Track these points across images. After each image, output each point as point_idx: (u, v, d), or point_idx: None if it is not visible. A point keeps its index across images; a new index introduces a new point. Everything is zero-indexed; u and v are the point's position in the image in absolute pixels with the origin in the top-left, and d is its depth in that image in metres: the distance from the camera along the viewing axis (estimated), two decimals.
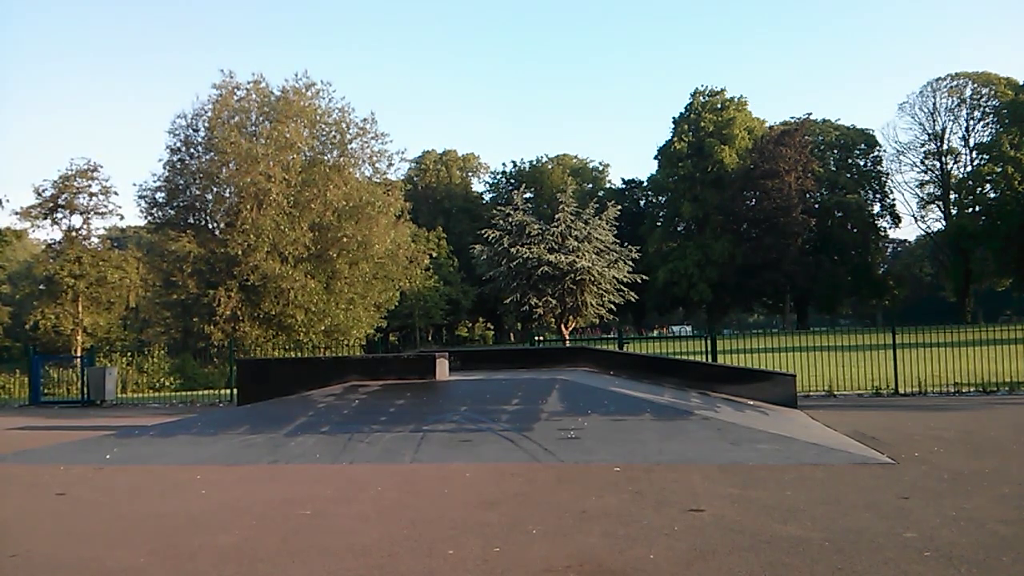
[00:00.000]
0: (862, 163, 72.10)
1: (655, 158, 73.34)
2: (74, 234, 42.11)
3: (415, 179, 73.32)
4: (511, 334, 74.91)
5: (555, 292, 24.06)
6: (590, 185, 75.70)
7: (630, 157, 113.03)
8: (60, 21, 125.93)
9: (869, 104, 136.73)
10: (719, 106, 70.17)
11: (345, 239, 32.17)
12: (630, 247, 26.13)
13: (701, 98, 70.92)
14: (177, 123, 33.54)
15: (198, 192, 33.61)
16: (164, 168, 33.58)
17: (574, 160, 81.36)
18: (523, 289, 24.48)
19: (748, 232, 67.24)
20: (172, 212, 33.83)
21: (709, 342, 17.81)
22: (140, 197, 33.75)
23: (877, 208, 71.38)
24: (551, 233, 24.73)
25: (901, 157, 69.23)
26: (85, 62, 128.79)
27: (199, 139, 33.34)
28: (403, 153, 52.03)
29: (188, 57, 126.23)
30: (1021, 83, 61.79)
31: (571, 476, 6.92)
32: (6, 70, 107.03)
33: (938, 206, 67.65)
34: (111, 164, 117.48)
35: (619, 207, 27.86)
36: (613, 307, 25.64)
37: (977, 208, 63.98)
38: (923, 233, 71.65)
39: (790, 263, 62.73)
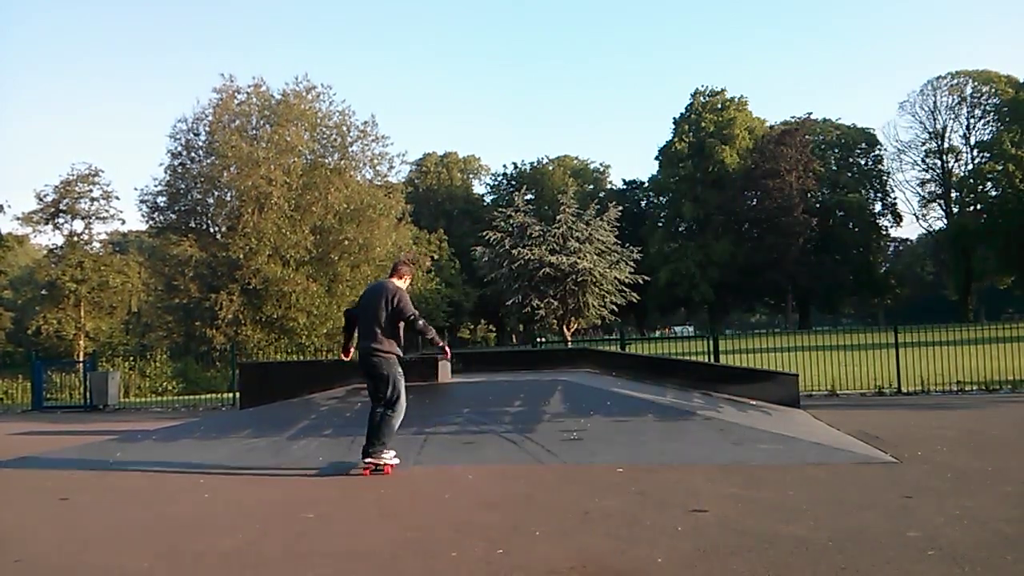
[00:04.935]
0: (863, 162, 72.06)
1: (656, 159, 73.43)
2: (76, 239, 42.23)
3: (416, 181, 73.29)
4: (513, 336, 74.81)
5: (557, 293, 24.05)
6: (591, 186, 75.67)
7: (631, 158, 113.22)
8: (60, 24, 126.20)
9: (869, 103, 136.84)
10: (719, 106, 70.14)
11: (346, 242, 32.21)
12: (631, 248, 26.10)
13: (701, 98, 70.91)
14: (178, 127, 33.68)
15: (199, 196, 33.69)
16: (165, 172, 33.71)
17: (575, 161, 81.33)
18: (525, 291, 24.47)
19: (749, 232, 67.21)
20: (173, 216, 33.93)
21: (711, 342, 17.81)
22: (141, 201, 33.89)
23: (878, 207, 71.42)
24: (552, 234, 24.70)
25: (902, 156, 69.26)
26: (85, 66, 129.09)
27: (200, 143, 33.45)
28: (404, 155, 52.21)
29: (188, 61, 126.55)
30: (1021, 81, 61.70)
31: (574, 477, 6.92)
32: (6, 74, 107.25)
33: (939, 205, 67.60)
34: (112, 168, 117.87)
35: (620, 208, 27.84)
36: (615, 308, 25.61)
37: (978, 206, 63.93)
38: (924, 232, 71.66)
39: (792, 263, 62.65)
